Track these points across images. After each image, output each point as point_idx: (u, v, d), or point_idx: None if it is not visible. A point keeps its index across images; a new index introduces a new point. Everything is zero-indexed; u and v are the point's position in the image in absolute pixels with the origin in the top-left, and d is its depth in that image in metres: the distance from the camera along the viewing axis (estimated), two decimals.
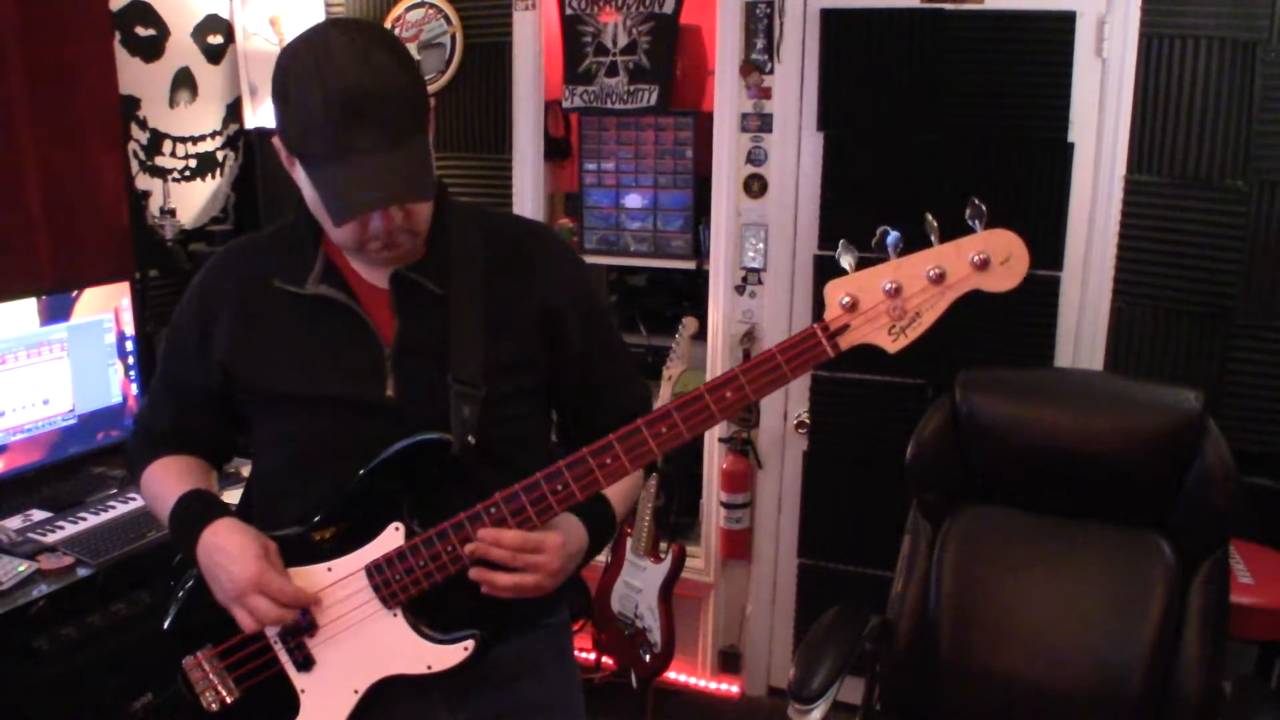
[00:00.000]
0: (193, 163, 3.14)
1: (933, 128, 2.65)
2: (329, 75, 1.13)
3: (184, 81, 3.09)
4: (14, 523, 2.25)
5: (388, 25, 3.14)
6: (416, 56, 3.10)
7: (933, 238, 1.11)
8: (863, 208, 2.71)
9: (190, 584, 1.36)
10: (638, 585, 2.93)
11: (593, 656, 3.10)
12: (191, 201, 3.15)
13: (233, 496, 1.47)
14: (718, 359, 3.01)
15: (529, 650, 1.42)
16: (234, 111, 3.27)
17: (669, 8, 2.92)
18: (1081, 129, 2.56)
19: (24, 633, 2.00)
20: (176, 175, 3.09)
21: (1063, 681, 1.99)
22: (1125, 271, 2.59)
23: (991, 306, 2.61)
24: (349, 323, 1.30)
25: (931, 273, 1.10)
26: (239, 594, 1.25)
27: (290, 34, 3.17)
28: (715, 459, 3.07)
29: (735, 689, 3.19)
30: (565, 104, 3.10)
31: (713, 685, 3.20)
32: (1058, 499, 2.10)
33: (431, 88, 3.11)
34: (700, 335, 3.00)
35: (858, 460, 2.87)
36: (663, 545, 2.92)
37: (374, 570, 1.28)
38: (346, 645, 1.31)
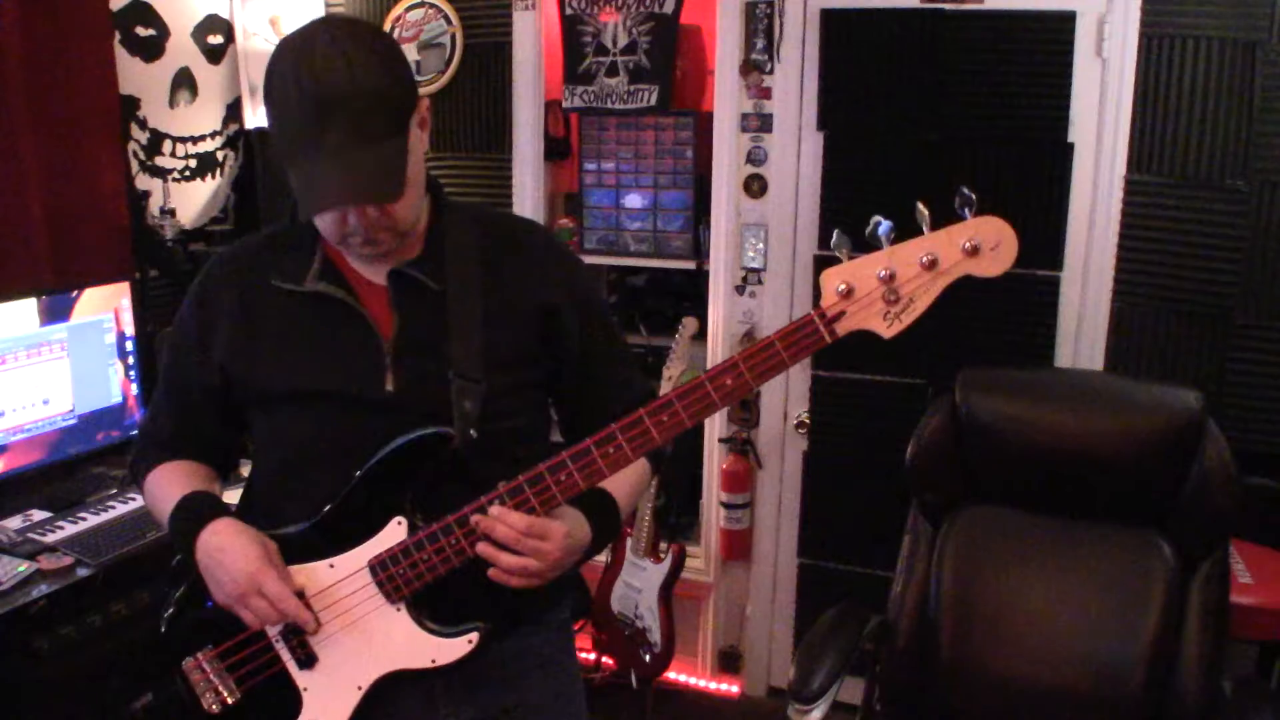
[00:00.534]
0: (193, 163, 3.14)
1: (933, 128, 2.65)
2: (305, 73, 1.15)
3: (184, 81, 3.09)
4: (14, 523, 2.25)
5: (388, 25, 3.14)
6: (416, 57, 3.11)
7: (924, 226, 1.14)
8: (863, 208, 2.67)
9: (186, 587, 1.36)
10: (638, 585, 2.93)
11: (593, 656, 3.10)
12: (191, 201, 3.15)
13: (232, 497, 1.47)
14: (718, 359, 3.01)
15: (531, 648, 1.42)
16: (234, 111, 3.27)
17: (669, 8, 2.92)
18: (1081, 129, 2.56)
19: (24, 633, 2.00)
20: (176, 175, 3.09)
21: (1063, 681, 1.99)
22: (1125, 271, 2.59)
23: (991, 306, 2.64)
24: (348, 318, 1.31)
25: (924, 259, 1.14)
26: (239, 594, 1.25)
27: None
28: (715, 459, 3.07)
29: (735, 689, 3.19)
30: (565, 104, 3.10)
31: (713, 685, 3.21)
32: (1058, 499, 2.10)
33: (431, 88, 3.11)
34: (700, 335, 3.00)
35: (858, 460, 2.87)
36: (663, 545, 2.92)
37: (378, 565, 1.28)
38: (349, 641, 1.31)
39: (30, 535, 2.18)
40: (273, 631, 1.32)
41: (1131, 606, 1.98)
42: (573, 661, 1.53)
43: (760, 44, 2.81)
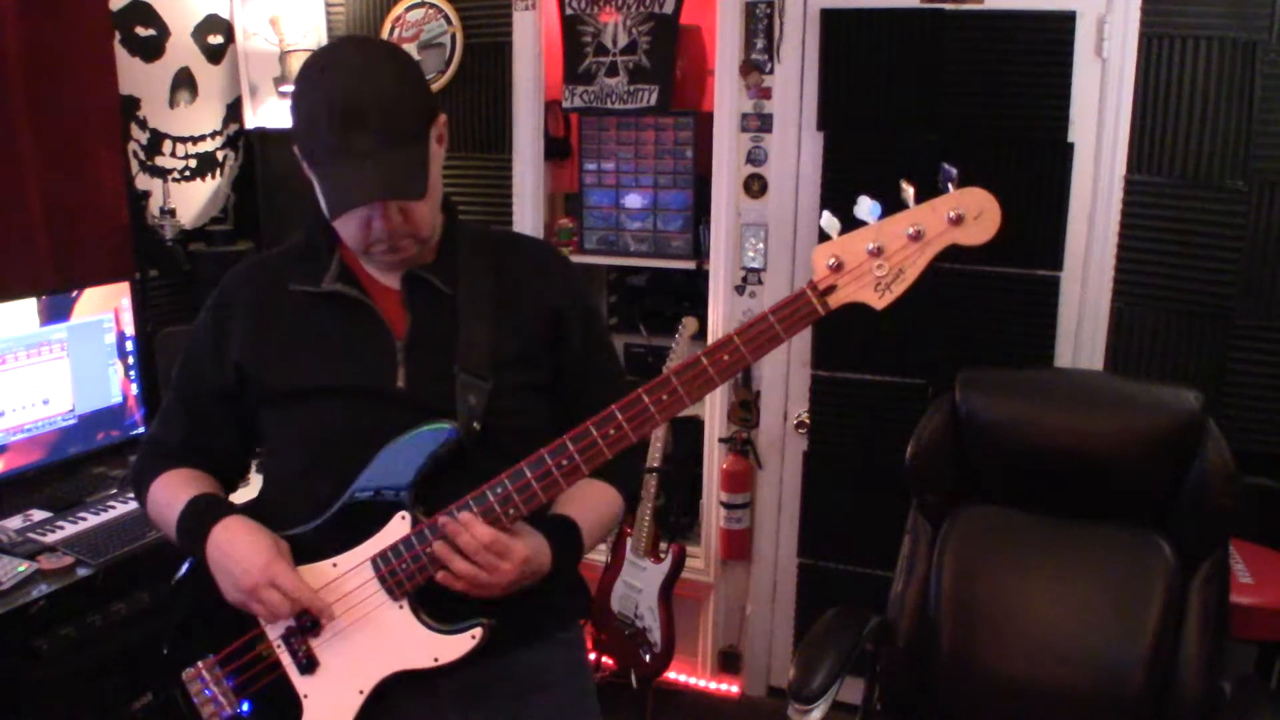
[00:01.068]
0: (193, 163, 3.14)
1: (933, 128, 2.65)
2: (333, 82, 1.22)
3: (184, 81, 3.09)
4: (14, 523, 2.25)
5: (387, 25, 3.15)
6: (416, 57, 3.10)
7: (909, 202, 1.19)
8: None
9: (187, 595, 1.37)
10: (638, 585, 2.94)
11: (593, 656, 3.10)
12: (191, 201, 3.15)
13: (236, 499, 1.47)
14: None
15: (543, 663, 1.42)
16: (234, 111, 3.27)
17: (669, 8, 2.92)
18: (1081, 129, 2.56)
19: (24, 633, 2.00)
20: (176, 175, 3.09)
21: (1063, 681, 1.99)
22: (1125, 271, 2.59)
23: (991, 306, 2.64)
24: (363, 317, 1.36)
25: (910, 231, 1.19)
26: (251, 587, 1.26)
27: (290, 34, 3.17)
28: (715, 459, 3.07)
29: (735, 689, 3.19)
30: (565, 104, 3.10)
31: (713, 685, 3.21)
32: (1058, 499, 2.10)
33: (431, 88, 3.10)
34: (700, 335, 3.00)
35: (858, 460, 2.87)
36: (663, 545, 2.92)
37: (379, 560, 1.29)
38: (351, 642, 1.30)
39: (30, 535, 2.18)
40: (275, 634, 1.32)
41: (1131, 606, 1.98)
42: (586, 679, 1.52)
43: (760, 44, 2.81)
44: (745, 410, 2.99)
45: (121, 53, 2.85)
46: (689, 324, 2.89)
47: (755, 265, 2.93)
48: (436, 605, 1.30)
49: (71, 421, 2.52)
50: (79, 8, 2.65)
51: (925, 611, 2.13)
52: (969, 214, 1.17)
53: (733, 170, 2.90)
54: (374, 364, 1.34)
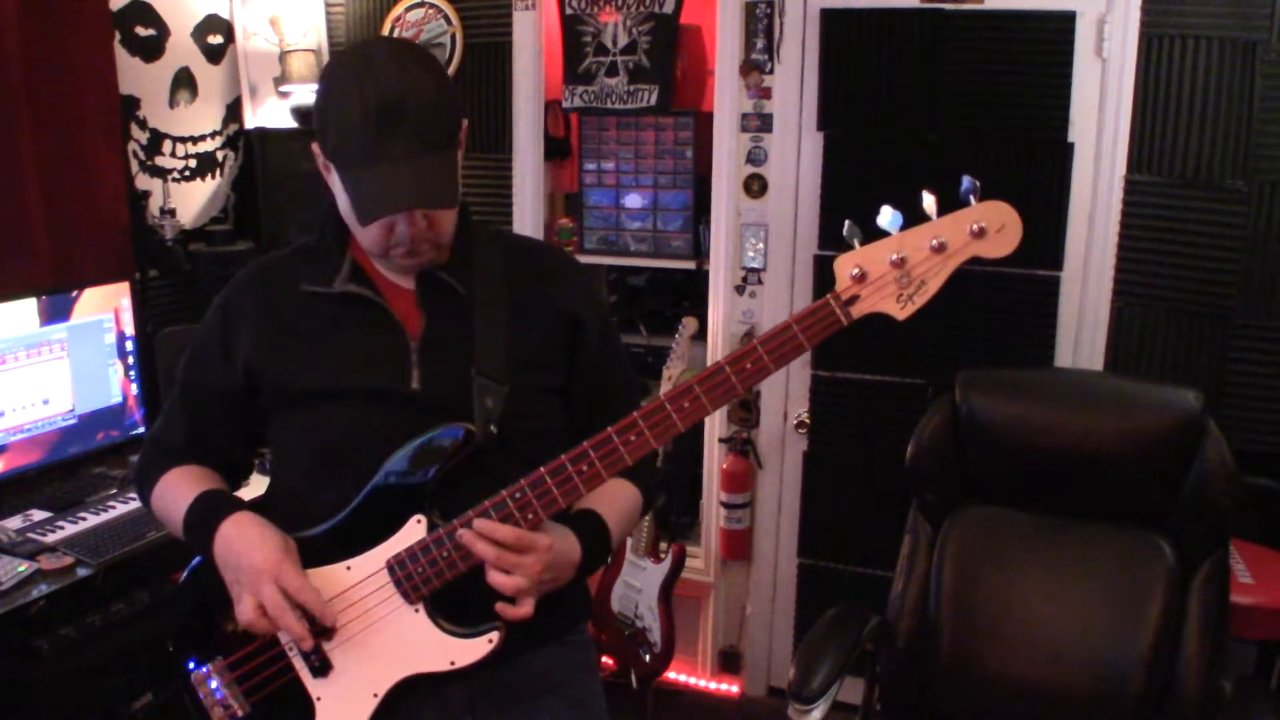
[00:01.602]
0: (193, 163, 3.14)
1: (933, 127, 2.65)
2: (368, 84, 1.19)
3: (184, 81, 3.09)
4: (14, 523, 2.25)
5: (387, 25, 3.14)
6: None
7: (931, 213, 1.19)
8: (863, 207, 2.69)
9: (196, 594, 1.36)
10: (638, 585, 2.94)
11: None
12: (191, 201, 3.15)
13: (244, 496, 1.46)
14: (718, 359, 2.99)
15: (554, 666, 1.42)
16: (234, 111, 3.27)
17: (669, 8, 2.92)
18: (1081, 129, 2.56)
19: (24, 633, 2.00)
20: (176, 175, 3.09)
21: (1063, 681, 1.99)
22: (1125, 271, 2.59)
23: (991, 306, 2.64)
24: (376, 318, 1.34)
25: (933, 243, 1.19)
26: (253, 580, 1.24)
27: (290, 34, 3.17)
28: (715, 459, 3.07)
29: (735, 689, 3.19)
30: (565, 104, 3.10)
31: (713, 685, 3.20)
32: (1058, 499, 2.10)
33: None
34: (700, 335, 3.00)
35: (858, 460, 2.87)
36: (663, 545, 2.92)
37: (396, 565, 1.27)
38: (365, 646, 1.29)
39: (30, 535, 2.18)
40: (286, 637, 1.30)
41: (1131, 606, 1.98)
42: (595, 681, 1.52)
43: (760, 44, 2.81)
44: (745, 410, 2.99)
45: (121, 53, 2.84)
46: (689, 324, 2.89)
47: (755, 265, 2.93)
48: (452, 609, 1.29)
49: (71, 421, 2.52)
50: (79, 8, 2.65)
51: (925, 612, 2.13)
52: (991, 227, 1.18)
53: (733, 170, 2.90)
54: (388, 365, 1.32)
